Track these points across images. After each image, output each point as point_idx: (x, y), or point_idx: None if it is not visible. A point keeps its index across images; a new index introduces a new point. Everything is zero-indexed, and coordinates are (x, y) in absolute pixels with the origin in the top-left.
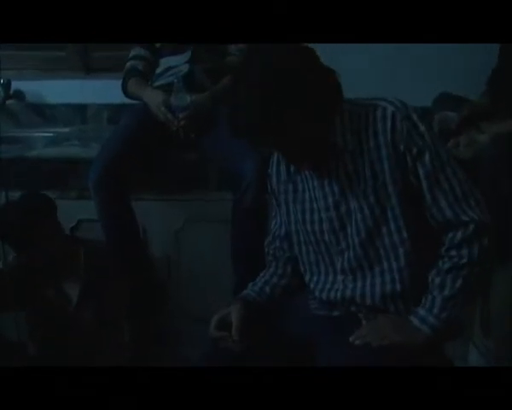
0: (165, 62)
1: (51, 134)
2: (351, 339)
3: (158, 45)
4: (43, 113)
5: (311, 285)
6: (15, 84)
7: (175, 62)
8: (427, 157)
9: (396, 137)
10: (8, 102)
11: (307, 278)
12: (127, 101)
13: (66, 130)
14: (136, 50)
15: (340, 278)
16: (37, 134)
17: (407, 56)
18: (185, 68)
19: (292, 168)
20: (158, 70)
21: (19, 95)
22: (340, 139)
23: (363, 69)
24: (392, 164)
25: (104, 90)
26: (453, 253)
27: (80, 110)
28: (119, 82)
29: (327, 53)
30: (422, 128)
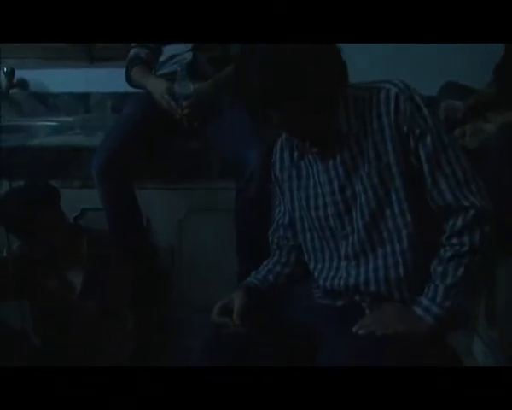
0: (168, 50)
1: (54, 123)
2: (354, 329)
3: None
4: (47, 102)
5: (316, 273)
6: (19, 74)
7: (178, 51)
8: (428, 139)
9: (399, 118)
10: (12, 90)
11: (311, 266)
12: (131, 89)
13: (70, 119)
14: None
15: (343, 264)
16: (39, 123)
17: (407, 56)
18: (188, 56)
19: (295, 154)
20: (161, 58)
21: (22, 84)
22: (345, 124)
23: (364, 69)
24: (396, 145)
25: (108, 79)
26: (454, 240)
27: (84, 99)
28: (123, 71)
29: None
30: (425, 111)
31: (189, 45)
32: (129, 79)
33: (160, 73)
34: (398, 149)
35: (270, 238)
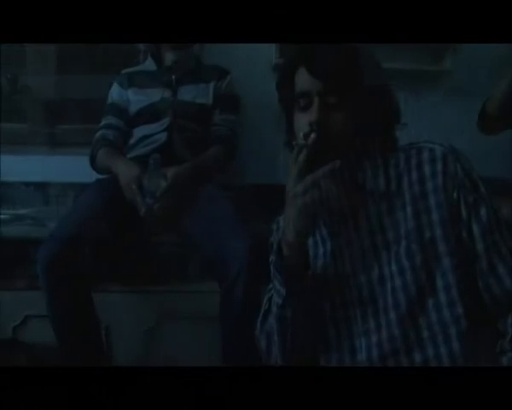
0: (139, 131)
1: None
2: None
3: (132, 113)
4: None
5: None
6: None
7: (151, 131)
8: (483, 210)
9: (448, 182)
10: None
11: None
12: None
13: (24, 211)
14: (108, 119)
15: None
16: None
17: None
18: (162, 137)
19: None
20: (131, 140)
21: None
22: (372, 183)
23: None
24: (444, 215)
25: (70, 167)
26: None
27: (42, 189)
28: (88, 158)
29: None
30: (476, 176)
31: (163, 125)
32: (93, 162)
33: (130, 156)
34: (446, 221)
35: (258, 331)
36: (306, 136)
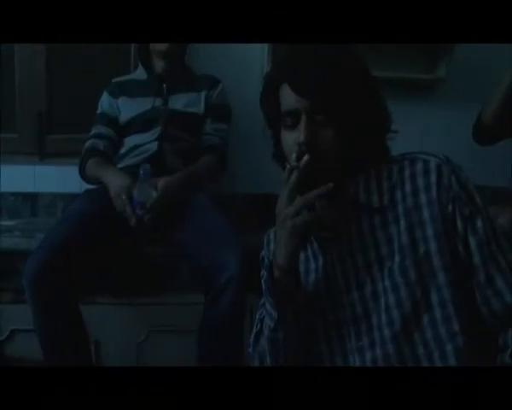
0: (130, 141)
1: None
2: None
3: (122, 123)
4: None
5: None
6: None
7: (141, 140)
8: (479, 223)
9: (443, 195)
10: None
11: None
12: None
13: (11, 223)
14: (98, 128)
15: None
16: None
17: None
18: (153, 147)
19: None
20: (122, 150)
21: None
22: (365, 197)
23: None
24: (438, 229)
25: (60, 177)
26: None
27: (31, 200)
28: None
29: None
30: (471, 187)
31: (154, 134)
32: (83, 172)
33: (120, 166)
34: (440, 235)
35: (251, 349)
36: (299, 157)
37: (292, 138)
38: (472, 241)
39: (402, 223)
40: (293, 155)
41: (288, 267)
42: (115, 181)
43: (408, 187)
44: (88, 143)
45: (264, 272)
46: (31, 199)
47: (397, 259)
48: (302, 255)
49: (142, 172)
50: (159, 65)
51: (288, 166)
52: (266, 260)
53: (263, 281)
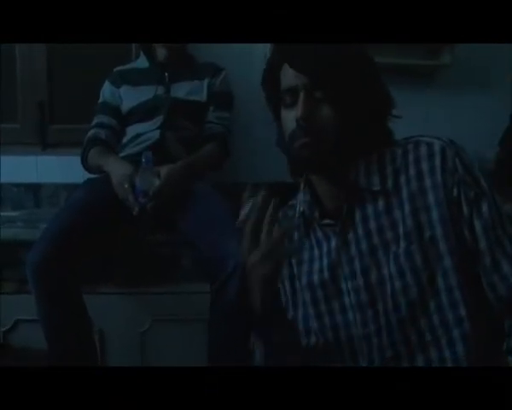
0: (132, 130)
1: None
2: None
3: (124, 111)
4: None
5: None
6: None
7: (144, 129)
8: (485, 206)
9: (447, 178)
10: None
11: None
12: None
13: (14, 214)
14: (100, 117)
15: None
16: None
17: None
18: (155, 135)
19: (296, 234)
20: (124, 139)
21: None
22: (366, 180)
23: None
24: (444, 212)
25: (62, 168)
26: None
27: (34, 191)
28: (79, 158)
29: None
30: (476, 171)
31: (157, 123)
32: (85, 162)
33: (122, 154)
34: (446, 218)
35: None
36: (296, 135)
37: (291, 117)
38: (477, 225)
39: (406, 207)
40: (289, 132)
41: (266, 310)
42: (117, 170)
43: (412, 171)
44: (90, 133)
45: None
46: (33, 189)
47: (402, 244)
48: (306, 243)
49: (144, 159)
50: (161, 53)
51: (238, 222)
52: None
53: None
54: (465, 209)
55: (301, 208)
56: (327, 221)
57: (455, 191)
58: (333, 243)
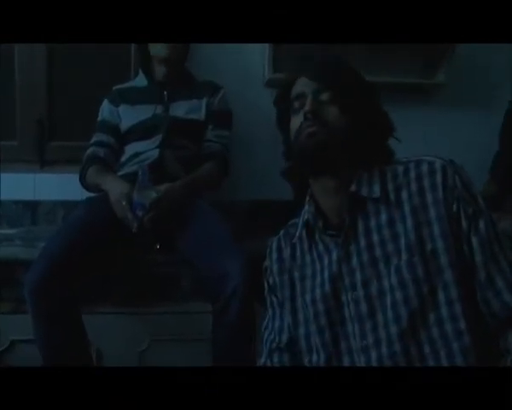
0: (131, 148)
1: None
2: None
3: (123, 130)
4: None
5: None
6: None
7: (142, 148)
8: (482, 223)
9: (448, 195)
10: None
11: None
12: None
13: (12, 231)
14: (99, 136)
15: None
16: None
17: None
18: (154, 154)
19: (298, 250)
20: (123, 158)
21: None
22: (367, 189)
23: None
24: (445, 227)
25: (61, 185)
26: None
27: (31, 208)
28: (78, 176)
29: None
30: (474, 189)
31: (156, 142)
32: (83, 180)
33: (121, 173)
34: (447, 233)
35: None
36: (303, 129)
37: (299, 119)
38: (474, 241)
39: (409, 221)
40: (296, 128)
41: None
42: (115, 188)
43: (414, 187)
44: (89, 151)
45: (266, 285)
46: (31, 207)
47: (404, 256)
48: (308, 258)
49: (140, 172)
50: (159, 71)
51: None
52: (268, 270)
53: (266, 293)
54: (464, 224)
55: (306, 217)
56: (330, 232)
57: (454, 207)
58: (334, 256)
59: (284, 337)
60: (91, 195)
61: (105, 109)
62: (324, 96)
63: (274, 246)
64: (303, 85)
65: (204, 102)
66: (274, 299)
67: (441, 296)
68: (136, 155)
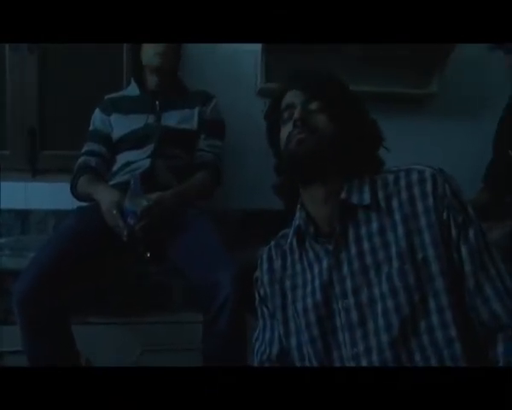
0: (122, 158)
1: None
2: None
3: (115, 139)
4: None
5: None
6: None
7: (134, 157)
8: (471, 231)
9: (438, 203)
10: None
11: None
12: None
13: (1, 241)
14: (90, 145)
15: None
16: None
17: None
18: (146, 164)
19: (289, 260)
20: (114, 167)
21: None
22: (357, 197)
23: None
24: (435, 235)
25: (52, 194)
26: None
27: (22, 217)
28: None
29: None
30: (464, 197)
31: (147, 151)
32: (74, 189)
33: (112, 182)
34: (438, 241)
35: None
36: (292, 136)
37: (288, 129)
38: (464, 249)
39: (400, 229)
40: (286, 137)
41: None
42: (106, 197)
43: (404, 195)
44: (80, 160)
45: (257, 295)
46: (22, 216)
47: (395, 264)
48: (298, 267)
49: (132, 181)
50: (151, 81)
51: None
52: (259, 281)
53: (257, 304)
54: (454, 233)
55: (297, 222)
56: (321, 239)
57: (445, 215)
58: (324, 264)
59: (275, 349)
60: (83, 204)
61: (97, 118)
62: (313, 106)
63: (265, 256)
64: (292, 96)
65: (196, 111)
66: (265, 310)
67: (432, 304)
68: (128, 164)
